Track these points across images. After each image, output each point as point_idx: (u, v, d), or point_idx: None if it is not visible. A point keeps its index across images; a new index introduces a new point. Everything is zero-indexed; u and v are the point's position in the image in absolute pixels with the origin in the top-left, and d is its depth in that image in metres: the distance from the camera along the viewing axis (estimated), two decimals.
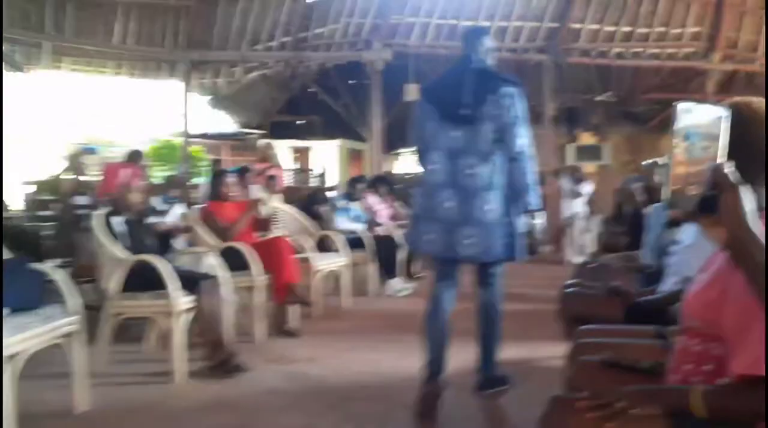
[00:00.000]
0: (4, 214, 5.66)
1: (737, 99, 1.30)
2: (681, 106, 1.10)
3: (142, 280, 3.42)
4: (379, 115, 10.10)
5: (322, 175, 9.65)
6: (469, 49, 2.99)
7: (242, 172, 6.27)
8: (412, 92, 9.89)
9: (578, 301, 2.69)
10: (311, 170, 15.23)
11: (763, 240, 1.07)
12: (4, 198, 6.14)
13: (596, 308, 2.56)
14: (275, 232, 4.98)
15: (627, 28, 9.98)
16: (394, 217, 7.52)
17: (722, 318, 1.26)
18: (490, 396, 3.06)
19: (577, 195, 8.68)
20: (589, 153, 11.01)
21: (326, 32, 10.07)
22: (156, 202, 5.41)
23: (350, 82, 13.53)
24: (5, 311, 2.52)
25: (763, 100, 1.27)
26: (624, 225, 5.48)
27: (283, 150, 14.08)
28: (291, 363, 3.68)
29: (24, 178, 8.11)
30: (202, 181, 7.82)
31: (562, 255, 8.73)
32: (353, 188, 6.66)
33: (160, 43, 10.15)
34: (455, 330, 3.12)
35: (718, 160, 1.09)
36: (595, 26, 9.95)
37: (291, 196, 9.42)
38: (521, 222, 2.94)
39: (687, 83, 11.29)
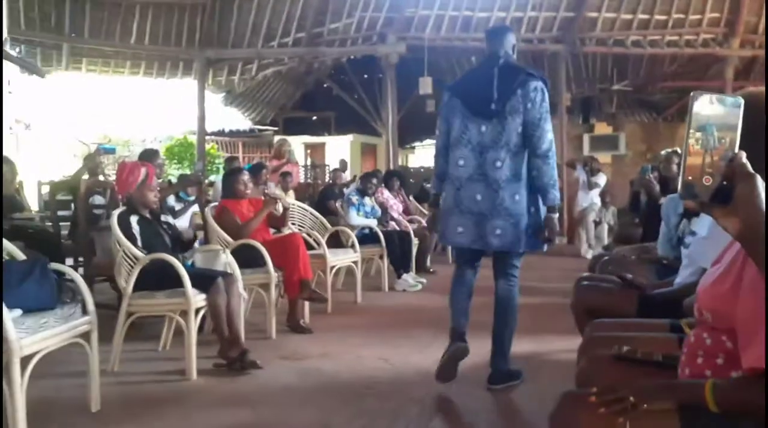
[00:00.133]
0: (23, 215, 5.73)
1: (751, 89, 1.27)
2: (696, 95, 1.08)
3: (157, 279, 3.44)
4: (394, 109, 10.07)
5: (336, 171, 9.62)
6: (495, 46, 3.10)
7: (257, 169, 6.30)
8: (426, 85, 9.86)
9: (592, 294, 2.66)
10: (327, 165, 15.26)
11: None
12: (23, 198, 6.23)
13: (610, 301, 2.54)
14: (289, 228, 5.00)
15: (645, 16, 9.83)
16: (406, 212, 7.52)
17: (734, 311, 1.23)
18: (501, 390, 3.06)
19: (592, 186, 8.60)
20: (605, 143, 10.89)
21: (341, 27, 10.05)
22: (171, 200, 5.45)
23: (364, 76, 13.54)
24: (17, 312, 2.54)
25: None
26: (639, 216, 5.42)
27: (297, 145, 14.12)
28: (304, 359, 3.69)
29: (42, 178, 8.22)
30: (217, 178, 7.85)
31: (577, 247, 8.66)
32: (366, 183, 6.65)
33: (176, 42, 10.22)
34: (472, 323, 3.15)
35: (735, 150, 1.07)
36: (611, 14, 9.82)
37: (305, 192, 9.46)
38: (542, 214, 3.04)
39: (705, 70, 11.12)
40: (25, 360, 2.36)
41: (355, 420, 2.75)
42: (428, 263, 7.12)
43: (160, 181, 5.63)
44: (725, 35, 9.99)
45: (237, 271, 3.80)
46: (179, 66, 10.77)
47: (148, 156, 5.52)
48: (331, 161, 15.31)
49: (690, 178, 1.07)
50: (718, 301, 1.31)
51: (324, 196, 7.68)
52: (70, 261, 5.18)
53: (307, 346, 3.95)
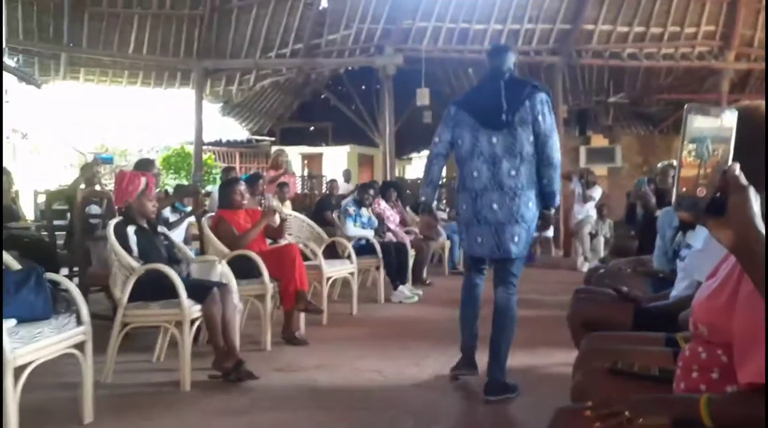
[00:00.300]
0: (19, 224, 5.71)
1: (746, 102, 1.28)
2: (690, 107, 1.09)
3: (153, 289, 3.43)
4: (391, 120, 10.10)
5: (333, 181, 9.57)
6: (498, 63, 3.23)
7: (253, 180, 6.28)
8: (423, 97, 9.89)
9: (588, 307, 2.66)
10: (324, 176, 15.26)
11: None
12: (19, 208, 6.22)
13: (606, 313, 2.53)
14: (285, 239, 4.98)
15: (641, 28, 9.90)
16: (403, 223, 7.51)
17: (730, 325, 1.23)
18: (496, 402, 3.05)
19: (587, 199, 8.61)
20: (601, 155, 10.93)
21: (339, 38, 10.10)
22: (166, 211, 5.42)
23: (362, 87, 13.59)
24: (11, 322, 2.53)
25: None
26: (635, 228, 5.43)
27: (294, 156, 14.12)
28: (299, 371, 3.67)
29: (38, 187, 8.21)
30: (213, 188, 7.84)
31: (573, 260, 8.67)
32: (363, 194, 6.65)
33: (174, 52, 10.25)
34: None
35: (729, 162, 1.07)
36: (608, 27, 9.89)
37: (301, 202, 9.45)
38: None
39: (701, 83, 11.18)
40: (18, 371, 2.34)
41: None
42: (425, 275, 7.10)
43: (157, 190, 5.62)
44: (721, 48, 10.07)
45: (233, 282, 3.79)
46: (177, 76, 10.80)
47: (144, 166, 5.51)
48: (328, 172, 15.31)
49: (684, 189, 1.07)
50: (714, 315, 1.31)
51: (321, 207, 7.66)
52: (65, 270, 5.17)
53: (302, 358, 3.93)
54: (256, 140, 16.67)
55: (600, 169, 10.41)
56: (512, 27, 9.76)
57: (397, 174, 12.67)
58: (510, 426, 2.95)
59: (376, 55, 9.98)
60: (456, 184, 3.41)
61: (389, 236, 6.70)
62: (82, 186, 5.39)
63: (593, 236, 8.52)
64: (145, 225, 3.78)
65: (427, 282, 7.01)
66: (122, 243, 3.54)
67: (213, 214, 4.79)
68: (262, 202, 5.57)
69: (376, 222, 6.62)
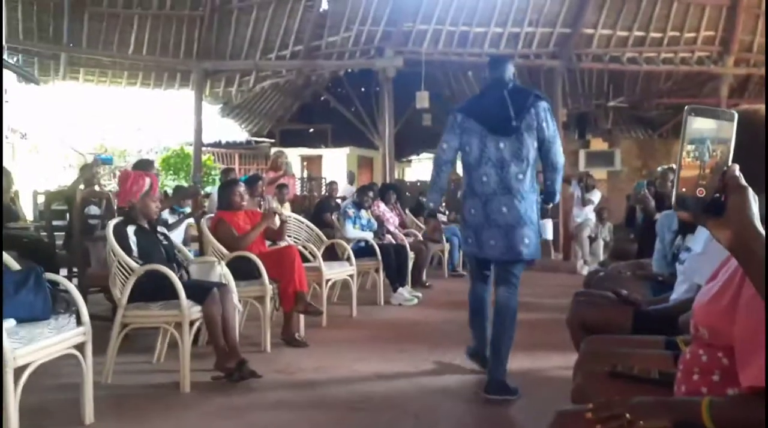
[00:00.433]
0: (18, 224, 5.70)
1: (745, 106, 1.28)
2: (690, 109, 1.10)
3: (152, 290, 3.42)
4: (391, 123, 10.11)
5: (332, 183, 9.56)
6: (499, 73, 3.36)
7: (253, 181, 6.28)
8: (423, 99, 9.90)
9: (587, 310, 2.67)
10: (324, 178, 15.25)
11: None
12: (19, 208, 6.20)
13: (605, 316, 2.54)
14: (285, 241, 4.98)
15: (640, 33, 9.92)
16: (402, 225, 7.51)
17: (731, 328, 1.23)
18: (496, 403, 3.05)
19: (586, 202, 8.62)
20: (600, 159, 10.95)
21: (339, 40, 10.11)
22: (164, 212, 5.42)
23: (362, 89, 13.60)
24: (11, 322, 2.53)
25: None
26: (635, 232, 5.43)
27: (293, 158, 14.11)
28: (298, 373, 3.67)
29: (38, 187, 8.20)
30: (213, 189, 7.84)
31: (573, 263, 8.67)
32: (363, 196, 6.65)
33: (173, 53, 10.25)
34: (468, 337, 3.16)
35: (728, 163, 1.08)
36: (608, 31, 9.91)
37: (301, 204, 9.44)
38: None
39: (700, 88, 11.20)
40: (18, 371, 2.34)
41: None
42: (424, 277, 7.10)
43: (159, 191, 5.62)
44: (720, 53, 10.09)
45: (232, 283, 3.78)
46: (176, 77, 10.78)
47: (143, 166, 5.51)
48: (328, 174, 15.31)
49: (684, 189, 1.08)
50: (715, 318, 1.31)
51: (320, 209, 7.66)
52: (64, 271, 5.16)
53: (301, 360, 3.93)
54: (256, 142, 16.67)
55: (599, 173, 10.42)
56: (512, 30, 9.77)
57: (396, 176, 12.66)
58: None
59: (376, 57, 9.98)
60: (455, 187, 3.47)
61: (389, 238, 6.70)
62: (82, 186, 5.38)
63: (593, 239, 8.52)
64: (146, 225, 3.78)
65: (427, 284, 7.01)
66: (122, 244, 3.54)
67: (212, 215, 4.79)
68: (262, 203, 5.57)
69: (375, 225, 6.62)
